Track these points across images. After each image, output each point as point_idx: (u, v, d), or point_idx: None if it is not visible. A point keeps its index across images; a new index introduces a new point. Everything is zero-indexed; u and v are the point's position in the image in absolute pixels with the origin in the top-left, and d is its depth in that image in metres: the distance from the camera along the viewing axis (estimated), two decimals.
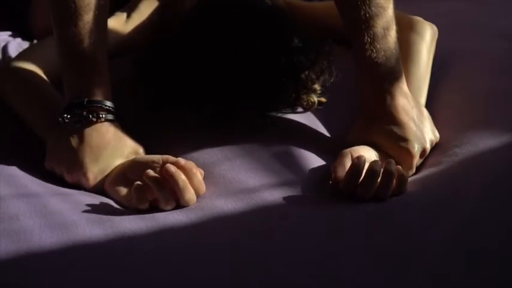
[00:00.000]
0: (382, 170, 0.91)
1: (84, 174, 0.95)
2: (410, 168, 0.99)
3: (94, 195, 0.96)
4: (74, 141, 0.96)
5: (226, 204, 0.91)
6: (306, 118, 1.08)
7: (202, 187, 0.93)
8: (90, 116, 0.96)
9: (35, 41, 1.44)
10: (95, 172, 0.96)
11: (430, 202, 0.90)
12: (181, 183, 0.90)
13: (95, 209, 0.91)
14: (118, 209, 0.92)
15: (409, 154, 0.98)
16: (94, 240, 0.84)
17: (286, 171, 0.97)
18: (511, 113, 1.06)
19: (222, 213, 0.89)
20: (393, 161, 0.93)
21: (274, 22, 1.04)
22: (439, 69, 1.15)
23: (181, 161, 0.92)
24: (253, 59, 1.00)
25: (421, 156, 1.00)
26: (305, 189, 0.94)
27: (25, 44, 1.42)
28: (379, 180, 0.91)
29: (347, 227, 0.86)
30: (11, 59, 1.22)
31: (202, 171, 0.94)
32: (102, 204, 0.93)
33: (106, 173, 0.97)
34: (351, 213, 0.89)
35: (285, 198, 0.92)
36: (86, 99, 0.96)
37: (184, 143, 1.02)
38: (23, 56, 1.18)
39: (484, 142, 1.00)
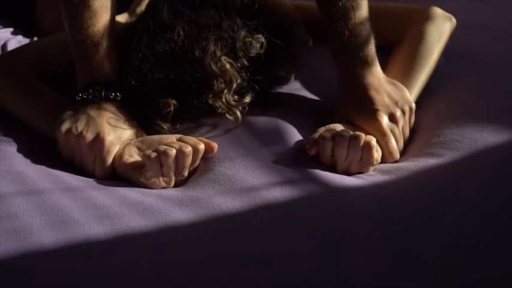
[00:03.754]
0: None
1: (102, 138, 0.98)
2: (384, 134, 1.03)
3: (94, 190, 0.95)
4: (92, 111, 1.01)
5: (225, 202, 0.91)
6: (310, 111, 1.10)
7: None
8: (108, 93, 1.01)
9: (35, 39, 1.44)
10: (111, 136, 0.99)
11: (429, 199, 0.90)
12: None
13: (94, 205, 0.90)
14: (117, 205, 0.92)
15: (377, 121, 1.03)
16: (94, 238, 0.84)
17: (285, 169, 0.97)
18: (511, 110, 1.07)
19: (220, 211, 0.89)
20: (361, 133, 0.99)
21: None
22: (441, 66, 1.15)
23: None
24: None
25: (392, 121, 1.04)
26: (303, 187, 0.93)
27: (25, 42, 1.42)
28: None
29: (346, 226, 0.86)
30: (3, 54, 1.23)
31: (216, 145, 0.99)
32: (102, 200, 0.93)
33: (120, 142, 1.00)
34: (349, 212, 0.89)
35: (283, 197, 0.91)
36: (104, 80, 1.02)
37: None
38: (12, 53, 1.21)
39: (485, 138, 1.00)
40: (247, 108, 1.04)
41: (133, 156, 0.99)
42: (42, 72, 1.12)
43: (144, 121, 1.04)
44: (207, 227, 0.87)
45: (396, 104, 1.05)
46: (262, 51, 1.03)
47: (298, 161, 0.99)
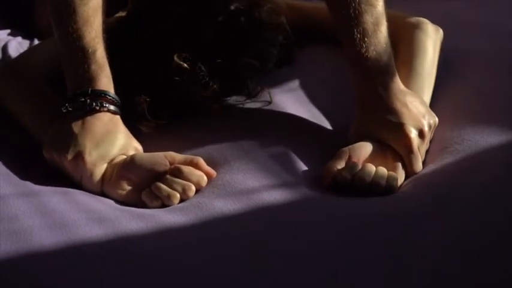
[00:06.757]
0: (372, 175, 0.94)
1: (83, 158, 0.94)
2: (412, 151, 0.98)
3: (93, 195, 0.96)
4: (76, 127, 0.96)
5: (225, 205, 0.91)
6: (308, 111, 1.10)
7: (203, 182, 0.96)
8: (94, 104, 0.96)
9: (36, 40, 1.44)
10: (93, 157, 0.95)
11: (430, 201, 0.90)
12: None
13: (95, 208, 0.91)
14: (118, 208, 0.92)
15: (406, 137, 0.98)
16: (94, 240, 0.84)
17: (284, 172, 0.97)
18: (511, 111, 1.07)
19: (220, 213, 0.89)
20: (384, 169, 0.96)
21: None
22: (440, 68, 1.15)
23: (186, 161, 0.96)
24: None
25: (420, 137, 0.99)
26: (303, 189, 0.94)
27: (25, 43, 1.42)
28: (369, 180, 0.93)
29: (346, 228, 0.86)
30: (10, 60, 1.22)
31: (215, 172, 0.97)
32: (102, 203, 0.93)
33: (105, 161, 0.96)
34: (349, 214, 0.89)
35: (283, 199, 0.92)
36: (90, 89, 0.97)
37: (182, 145, 1.02)
38: (22, 57, 1.20)
39: (485, 140, 1.00)
40: (221, 96, 1.04)
41: (125, 189, 0.96)
42: (53, 75, 1.09)
43: (128, 124, 1.02)
44: (208, 229, 0.87)
45: (424, 117, 1.00)
46: (214, 37, 1.03)
47: (299, 163, 0.99)
